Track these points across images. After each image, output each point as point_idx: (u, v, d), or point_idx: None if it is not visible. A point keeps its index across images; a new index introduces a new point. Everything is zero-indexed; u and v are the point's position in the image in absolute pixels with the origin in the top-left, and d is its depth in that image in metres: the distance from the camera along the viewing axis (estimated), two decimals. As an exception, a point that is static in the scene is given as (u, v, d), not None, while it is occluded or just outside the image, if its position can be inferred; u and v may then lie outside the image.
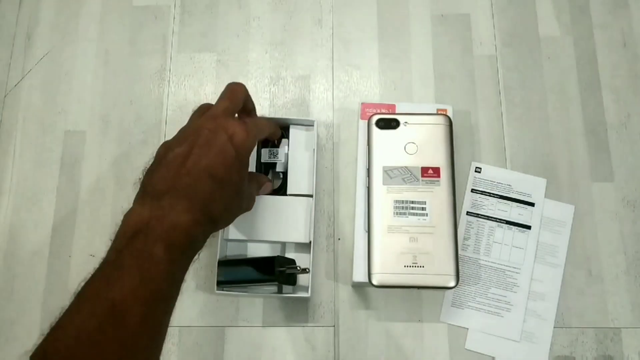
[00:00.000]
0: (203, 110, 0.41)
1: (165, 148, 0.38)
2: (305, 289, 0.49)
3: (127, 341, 0.30)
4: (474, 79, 0.58)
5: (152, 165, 0.37)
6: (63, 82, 0.59)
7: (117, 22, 0.61)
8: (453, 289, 0.49)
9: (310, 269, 0.48)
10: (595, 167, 0.55)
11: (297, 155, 0.52)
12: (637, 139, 0.56)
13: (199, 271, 0.52)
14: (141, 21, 0.60)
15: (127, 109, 0.58)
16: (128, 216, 0.34)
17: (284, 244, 0.51)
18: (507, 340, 0.50)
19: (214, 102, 0.41)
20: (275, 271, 0.47)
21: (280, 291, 0.50)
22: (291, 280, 0.49)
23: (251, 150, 0.40)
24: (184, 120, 0.41)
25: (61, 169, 0.56)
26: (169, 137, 0.39)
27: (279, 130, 0.52)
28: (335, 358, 0.50)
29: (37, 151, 0.57)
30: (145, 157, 0.55)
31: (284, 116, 0.56)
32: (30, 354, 0.29)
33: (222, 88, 0.42)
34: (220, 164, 0.36)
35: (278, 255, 0.49)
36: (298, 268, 0.48)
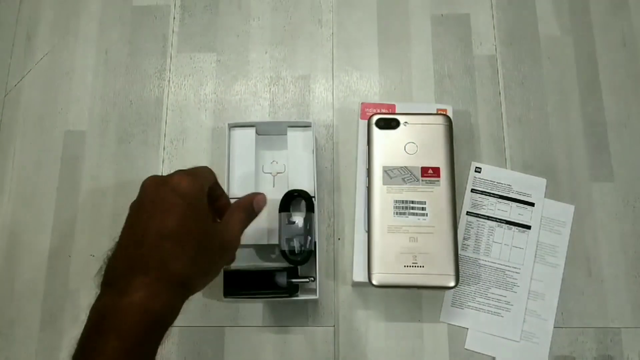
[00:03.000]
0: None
1: (123, 229, 0.35)
2: (313, 291, 0.49)
3: None
4: (474, 79, 0.58)
5: (112, 250, 0.35)
6: (63, 82, 0.59)
7: (117, 22, 0.61)
8: (453, 289, 0.50)
9: (317, 271, 0.48)
10: (595, 167, 0.55)
11: (296, 157, 0.52)
12: (637, 139, 0.56)
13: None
14: (141, 21, 0.60)
15: (127, 109, 0.58)
16: (91, 310, 0.32)
17: None
18: (507, 340, 0.50)
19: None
20: (288, 282, 0.46)
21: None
22: (296, 289, 0.49)
23: (201, 194, 0.36)
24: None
25: (61, 169, 0.56)
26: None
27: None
28: (335, 358, 0.50)
29: (37, 151, 0.57)
30: (145, 157, 0.56)
31: (284, 116, 0.57)
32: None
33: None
34: (169, 219, 0.33)
35: (288, 267, 0.48)
36: (309, 280, 0.48)
